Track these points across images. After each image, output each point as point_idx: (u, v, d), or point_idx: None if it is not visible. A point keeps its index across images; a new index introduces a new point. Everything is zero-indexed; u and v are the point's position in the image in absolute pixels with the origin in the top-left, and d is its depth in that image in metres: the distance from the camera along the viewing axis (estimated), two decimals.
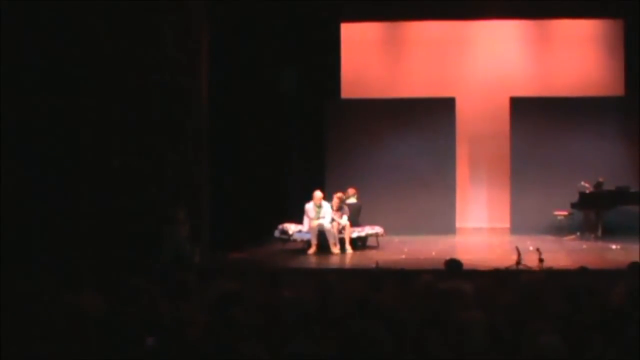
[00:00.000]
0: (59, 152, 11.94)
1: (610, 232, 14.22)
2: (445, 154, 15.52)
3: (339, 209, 13.12)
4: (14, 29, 11.80)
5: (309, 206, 13.05)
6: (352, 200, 13.70)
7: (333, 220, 12.93)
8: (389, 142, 15.62)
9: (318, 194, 13.12)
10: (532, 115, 15.36)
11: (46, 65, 11.90)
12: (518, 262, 10.68)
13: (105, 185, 11.96)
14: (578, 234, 14.40)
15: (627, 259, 8.39)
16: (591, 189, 14.35)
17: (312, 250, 12.87)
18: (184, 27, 12.25)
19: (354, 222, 13.36)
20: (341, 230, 13.01)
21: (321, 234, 12.86)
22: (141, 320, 4.70)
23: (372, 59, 16.41)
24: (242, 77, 14.55)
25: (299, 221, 13.26)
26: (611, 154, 15.08)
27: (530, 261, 10.69)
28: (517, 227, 15.19)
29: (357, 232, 13.31)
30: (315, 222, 12.86)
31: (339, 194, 13.28)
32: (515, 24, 16.26)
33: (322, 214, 12.95)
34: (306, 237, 13.06)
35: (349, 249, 12.94)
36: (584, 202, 14.35)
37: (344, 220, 13.04)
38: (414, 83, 16.32)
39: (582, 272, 7.33)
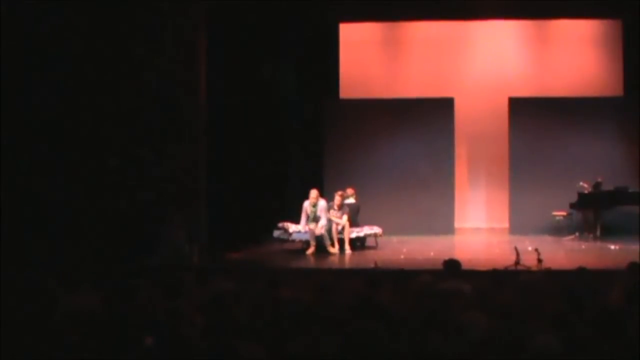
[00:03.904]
0: (57, 152, 11.93)
1: (609, 233, 14.23)
2: (444, 154, 15.52)
3: (341, 207, 13.12)
4: (13, 29, 11.79)
5: (306, 204, 13.07)
6: (351, 200, 13.69)
7: (330, 221, 12.93)
8: (387, 142, 15.61)
9: (313, 192, 13.11)
10: (531, 115, 15.36)
11: (45, 66, 11.89)
12: (517, 263, 10.68)
13: (103, 186, 11.95)
14: (577, 234, 14.40)
15: (626, 259, 8.38)
16: (590, 189, 14.36)
17: (310, 250, 12.87)
18: (183, 27, 12.25)
19: (353, 222, 13.35)
20: (341, 230, 13.01)
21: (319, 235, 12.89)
22: (139, 320, 4.70)
23: (371, 59, 16.40)
24: (241, 77, 14.53)
25: (298, 221, 13.26)
26: (610, 154, 15.08)
27: (529, 261, 10.70)
28: (516, 227, 15.19)
29: (355, 233, 13.31)
30: (312, 224, 12.87)
31: (340, 192, 13.28)
32: (513, 24, 16.26)
33: (318, 212, 12.93)
34: (305, 237, 13.07)
35: (348, 249, 12.94)
36: (583, 202, 14.36)
37: (344, 220, 13.04)
38: (412, 83, 16.32)
39: (580, 273, 7.32)
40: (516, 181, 15.38)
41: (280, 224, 13.34)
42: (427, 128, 15.60)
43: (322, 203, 13.06)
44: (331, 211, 13.05)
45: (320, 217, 12.96)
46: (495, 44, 16.29)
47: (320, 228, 12.84)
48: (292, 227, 13.24)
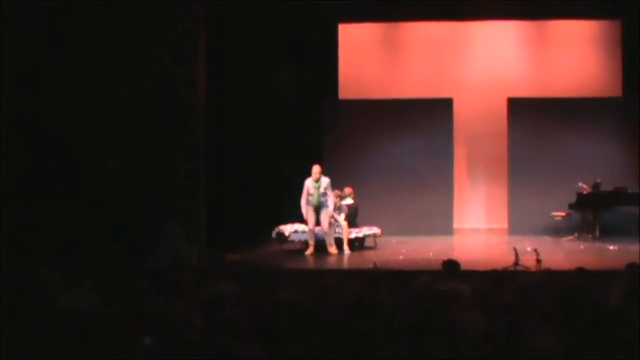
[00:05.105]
0: (57, 151, 11.94)
1: (608, 233, 14.23)
2: (442, 154, 15.53)
3: (338, 207, 13.11)
4: (13, 28, 11.80)
5: (308, 182, 12.90)
6: (349, 201, 13.66)
7: (335, 214, 12.90)
8: (386, 142, 15.62)
9: (316, 167, 12.95)
10: (530, 115, 15.37)
11: (43, 64, 11.90)
12: (516, 263, 10.69)
13: (102, 186, 11.95)
14: (576, 234, 14.41)
15: (625, 260, 8.39)
16: (589, 190, 14.37)
17: (309, 251, 12.87)
18: (183, 26, 12.24)
19: (352, 223, 13.36)
20: (336, 229, 12.99)
21: (319, 234, 12.86)
22: (138, 321, 4.69)
23: (370, 60, 16.40)
24: (240, 78, 14.53)
25: (298, 220, 13.25)
26: (609, 154, 15.09)
27: (528, 262, 10.70)
28: (515, 227, 15.19)
29: (354, 233, 13.31)
30: (313, 204, 12.78)
31: (337, 192, 13.24)
32: (513, 25, 16.26)
33: (321, 188, 12.81)
34: (303, 237, 13.07)
35: (346, 249, 12.93)
36: (582, 202, 14.37)
37: (342, 219, 13.04)
38: (411, 84, 16.31)
39: (579, 273, 7.32)
40: (515, 181, 15.38)
41: (276, 228, 13.33)
42: (426, 128, 15.60)
43: (325, 179, 12.94)
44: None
45: (325, 194, 12.81)
46: (495, 44, 16.29)
47: (325, 217, 12.73)
48: (288, 230, 13.22)
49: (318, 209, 12.81)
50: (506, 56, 16.22)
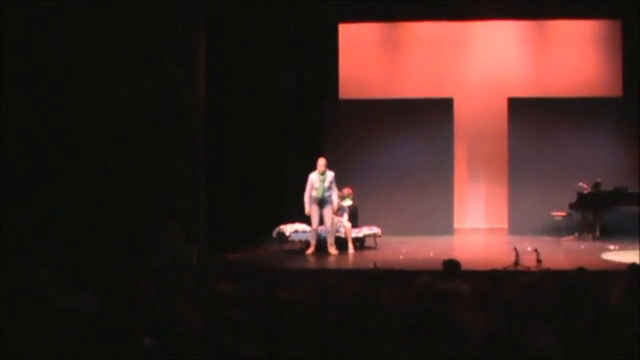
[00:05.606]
0: (57, 151, 11.94)
1: (609, 233, 14.23)
2: (443, 154, 15.52)
3: (340, 209, 13.11)
4: (14, 32, 11.80)
5: (313, 176, 12.82)
6: (348, 202, 13.62)
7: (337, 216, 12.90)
8: (387, 142, 15.61)
9: (322, 160, 12.88)
10: (530, 115, 15.37)
11: (43, 64, 11.90)
12: (516, 263, 10.69)
13: (102, 186, 11.95)
14: (576, 234, 14.41)
15: (625, 260, 8.39)
16: (589, 190, 14.37)
17: (310, 250, 12.86)
18: (183, 26, 12.24)
19: (352, 223, 13.35)
20: (338, 229, 12.98)
21: (320, 234, 12.85)
22: (138, 321, 4.69)
23: (370, 60, 16.39)
24: (240, 78, 14.53)
25: (298, 220, 13.24)
26: (609, 154, 15.09)
27: (528, 262, 10.70)
28: (515, 227, 15.19)
29: (354, 233, 13.30)
30: (316, 218, 12.74)
31: (338, 192, 13.22)
32: (513, 25, 16.25)
33: (326, 182, 12.75)
34: (303, 237, 13.07)
35: (351, 248, 12.94)
36: (582, 202, 14.36)
37: (345, 219, 13.05)
38: (412, 83, 16.31)
39: (580, 273, 7.32)
40: (515, 181, 15.38)
41: (277, 228, 13.32)
42: (427, 128, 15.60)
43: (330, 173, 12.85)
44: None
45: (329, 188, 12.74)
46: (495, 44, 16.28)
47: (328, 214, 12.70)
48: (288, 230, 13.22)
49: (321, 205, 12.75)
50: (506, 56, 16.21)
